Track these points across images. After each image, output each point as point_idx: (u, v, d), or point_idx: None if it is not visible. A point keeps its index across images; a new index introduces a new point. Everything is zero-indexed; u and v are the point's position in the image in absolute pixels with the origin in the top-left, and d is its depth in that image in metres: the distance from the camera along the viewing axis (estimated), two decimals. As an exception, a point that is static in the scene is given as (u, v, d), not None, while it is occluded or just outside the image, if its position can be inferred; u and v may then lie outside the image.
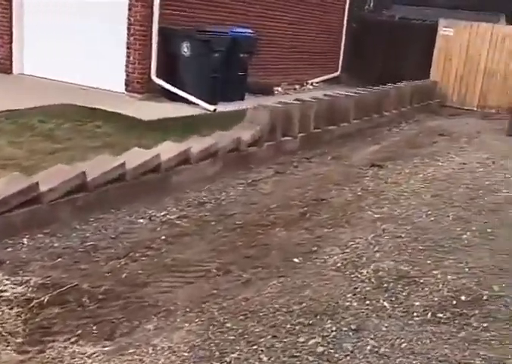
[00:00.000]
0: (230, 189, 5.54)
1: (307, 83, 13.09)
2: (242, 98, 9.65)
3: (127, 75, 8.83)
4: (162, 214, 4.66)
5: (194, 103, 8.61)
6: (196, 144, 5.69)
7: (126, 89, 8.89)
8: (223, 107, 8.78)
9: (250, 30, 9.64)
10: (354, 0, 15.24)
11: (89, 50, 8.95)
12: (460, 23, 12.83)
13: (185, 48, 8.70)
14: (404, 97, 11.06)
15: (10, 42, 9.82)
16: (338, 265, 3.99)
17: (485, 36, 12.56)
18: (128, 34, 8.70)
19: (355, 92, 9.36)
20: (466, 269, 4.07)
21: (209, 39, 8.56)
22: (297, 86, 12.59)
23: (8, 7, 9.68)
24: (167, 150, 5.31)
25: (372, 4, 24.17)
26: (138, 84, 8.79)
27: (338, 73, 14.54)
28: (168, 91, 8.81)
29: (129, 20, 8.63)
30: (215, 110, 8.40)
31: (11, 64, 9.90)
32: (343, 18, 14.30)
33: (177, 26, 8.85)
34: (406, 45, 13.89)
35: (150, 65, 8.72)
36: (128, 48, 8.74)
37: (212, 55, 8.69)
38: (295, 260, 4.03)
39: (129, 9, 8.60)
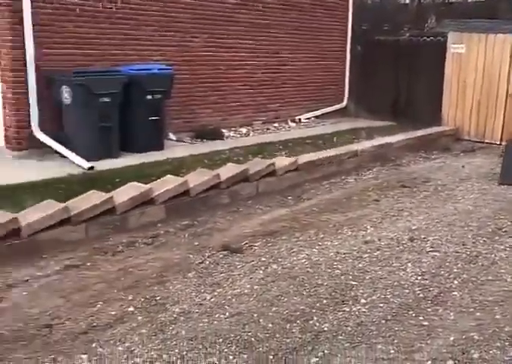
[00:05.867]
0: None
1: (293, 120, 11.12)
2: (161, 147, 7.95)
3: (5, 129, 7.42)
4: None
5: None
6: None
7: (6, 146, 7.48)
8: (122, 161, 7.18)
9: (162, 66, 7.90)
10: (360, 19, 13.10)
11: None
12: (473, 36, 10.37)
13: (66, 95, 7.14)
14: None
15: None
16: None
17: (504, 50, 10.02)
18: (-1, 82, 7.33)
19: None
20: None
21: (87, 82, 6.90)
22: (276, 125, 10.68)
23: None
24: None
25: (433, 20, 21.75)
26: (15, 139, 7.34)
27: (344, 103, 12.37)
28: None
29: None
30: (91, 168, 6.73)
31: None
32: (345, 41, 12.18)
33: (62, 69, 7.34)
34: (417, 67, 11.46)
35: (29, 117, 7.24)
36: (3, 98, 7.35)
37: (97, 100, 7.04)
38: None
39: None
